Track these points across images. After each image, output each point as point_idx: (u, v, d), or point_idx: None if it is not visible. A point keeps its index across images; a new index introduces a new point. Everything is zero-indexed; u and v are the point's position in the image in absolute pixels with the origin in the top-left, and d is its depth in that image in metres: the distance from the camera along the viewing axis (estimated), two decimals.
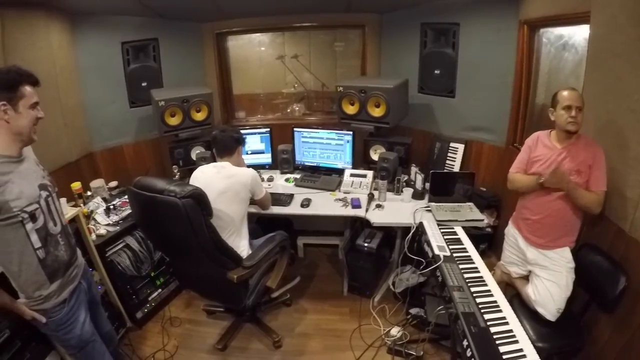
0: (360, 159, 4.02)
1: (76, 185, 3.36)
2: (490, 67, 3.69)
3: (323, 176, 3.93)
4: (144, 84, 4.19)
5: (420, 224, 2.99)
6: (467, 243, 2.75)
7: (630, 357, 2.20)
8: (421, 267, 2.73)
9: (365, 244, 3.62)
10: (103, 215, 3.27)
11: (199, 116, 3.92)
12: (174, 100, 3.73)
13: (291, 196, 3.53)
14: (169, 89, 4.13)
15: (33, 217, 1.81)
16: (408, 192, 3.54)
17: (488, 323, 1.97)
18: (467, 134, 4.03)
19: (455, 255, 2.58)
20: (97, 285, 2.52)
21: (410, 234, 3.03)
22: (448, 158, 4.11)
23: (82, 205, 3.30)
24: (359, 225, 3.82)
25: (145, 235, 3.30)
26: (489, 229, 3.87)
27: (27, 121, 1.81)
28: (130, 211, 3.29)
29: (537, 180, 2.52)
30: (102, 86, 3.99)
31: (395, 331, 3.12)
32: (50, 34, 3.37)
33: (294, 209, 3.42)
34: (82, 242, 2.87)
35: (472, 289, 2.23)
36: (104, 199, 3.47)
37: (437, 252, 2.59)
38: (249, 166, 3.06)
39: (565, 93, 2.41)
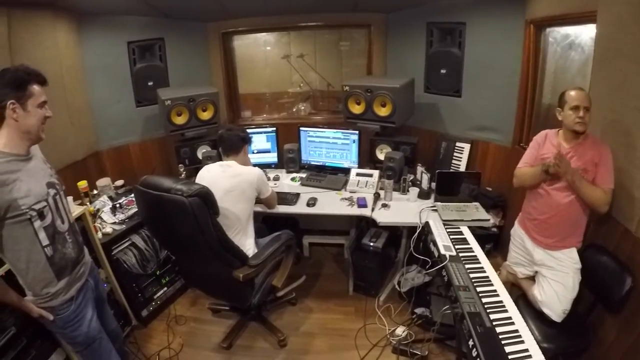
0: (366, 159, 4.01)
1: (82, 184, 3.37)
2: (497, 66, 3.68)
3: (329, 175, 3.93)
4: (150, 84, 4.21)
5: (426, 224, 2.99)
6: (473, 243, 2.74)
7: (636, 358, 2.18)
8: (427, 266, 2.73)
9: (371, 244, 3.62)
10: (109, 214, 3.29)
11: (205, 115, 3.93)
12: (180, 100, 3.74)
13: (297, 195, 3.53)
14: (175, 89, 4.14)
15: (41, 214, 1.82)
16: (414, 191, 3.53)
17: (494, 323, 1.96)
18: (473, 133, 4.02)
19: (461, 255, 2.57)
20: (102, 283, 2.53)
21: (416, 233, 3.02)
22: (454, 158, 4.10)
23: (88, 203, 3.32)
24: (365, 224, 3.82)
25: (151, 234, 3.31)
26: (494, 229, 3.85)
27: (35, 120, 1.82)
28: (136, 210, 3.31)
29: (542, 168, 2.50)
30: (108, 85, 4.01)
31: (401, 331, 3.12)
32: (56, 34, 3.39)
33: (300, 208, 3.42)
34: (89, 240, 2.88)
35: (478, 289, 2.22)
36: (110, 198, 3.49)
37: (443, 251, 2.58)
38: (255, 165, 3.07)
39: (572, 93, 2.40)
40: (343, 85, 3.80)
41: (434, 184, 3.36)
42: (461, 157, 4.06)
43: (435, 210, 3.18)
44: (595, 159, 2.38)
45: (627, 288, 2.22)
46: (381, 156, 3.81)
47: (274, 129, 4.19)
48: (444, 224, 2.97)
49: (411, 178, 3.64)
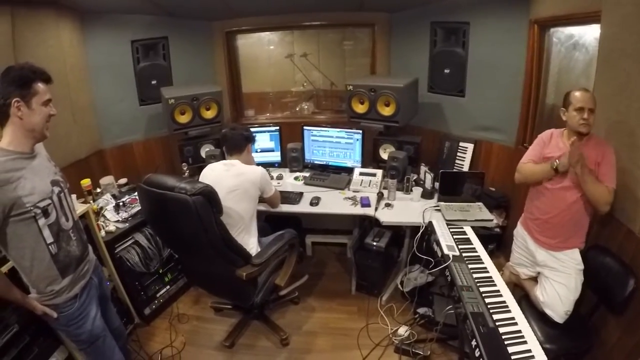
0: (370, 158, 4.02)
1: (86, 182, 3.38)
2: (500, 66, 3.67)
3: (332, 175, 3.93)
4: (153, 82, 4.22)
5: (430, 224, 2.98)
6: (477, 243, 2.73)
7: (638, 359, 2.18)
8: (430, 266, 2.73)
9: (374, 243, 3.61)
10: (112, 212, 3.30)
11: (209, 114, 3.94)
12: (183, 98, 3.75)
13: (300, 194, 3.53)
14: (179, 87, 4.16)
15: (45, 212, 1.83)
16: (417, 191, 3.53)
17: (497, 323, 1.96)
18: (477, 133, 4.01)
19: (464, 255, 2.57)
20: (106, 281, 2.53)
21: (420, 233, 3.02)
22: (457, 157, 4.09)
23: (91, 202, 3.32)
24: (368, 224, 3.82)
25: (154, 232, 3.31)
26: (497, 229, 3.85)
27: (40, 118, 1.82)
28: (139, 208, 3.32)
29: (551, 166, 2.48)
30: (112, 84, 4.02)
31: (403, 330, 3.12)
32: (60, 33, 3.39)
33: (303, 207, 3.42)
34: (92, 238, 2.88)
35: (481, 289, 2.22)
36: (114, 196, 3.50)
37: (446, 251, 2.58)
38: (258, 164, 3.07)
39: (577, 94, 2.38)
40: (347, 85, 3.79)
41: (437, 184, 3.37)
42: (464, 157, 4.05)
43: (439, 210, 3.18)
44: (598, 158, 2.37)
45: (630, 289, 2.22)
46: (385, 156, 3.81)
47: (278, 128, 4.19)
48: (447, 224, 2.96)
49: (414, 178, 3.64)
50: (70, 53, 3.53)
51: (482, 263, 2.49)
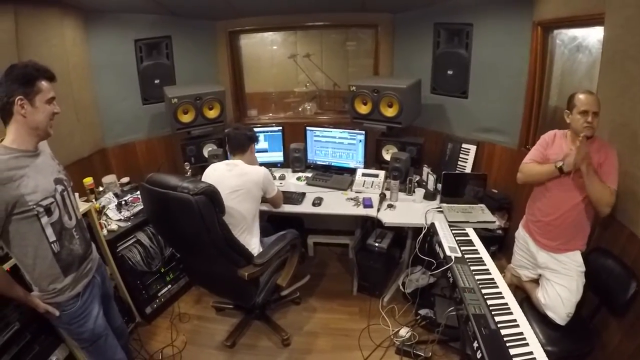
0: (373, 159, 4.01)
1: (88, 181, 3.38)
2: (503, 68, 3.66)
3: (335, 175, 3.93)
4: (156, 81, 4.23)
5: (432, 225, 2.98)
6: (479, 245, 2.73)
7: None
8: (432, 267, 2.73)
9: (376, 244, 3.61)
10: (114, 211, 3.30)
11: (212, 114, 3.94)
12: (186, 98, 3.75)
13: (303, 195, 3.53)
14: (182, 87, 4.17)
15: (48, 211, 1.82)
16: (420, 192, 3.51)
17: (499, 325, 1.95)
18: (479, 135, 4.01)
19: (466, 256, 2.56)
20: (109, 279, 2.53)
21: (422, 234, 3.02)
22: (460, 159, 4.09)
23: (94, 200, 3.32)
24: (370, 224, 3.82)
25: (156, 232, 3.31)
26: (499, 231, 3.84)
27: (43, 116, 1.82)
28: (141, 207, 3.32)
29: (555, 166, 2.46)
30: (115, 83, 4.03)
31: (404, 332, 3.12)
32: (63, 31, 3.40)
33: (305, 207, 3.42)
34: (94, 237, 2.88)
35: (483, 291, 2.21)
36: (116, 195, 3.50)
37: (448, 253, 2.58)
38: (260, 164, 3.07)
39: (582, 97, 2.37)
40: (350, 85, 3.80)
41: (439, 185, 3.36)
42: (467, 159, 4.05)
43: (441, 212, 3.18)
44: (601, 160, 2.37)
45: (632, 292, 2.23)
46: (387, 157, 3.81)
47: (280, 128, 4.19)
48: (450, 226, 2.95)
49: (417, 179, 3.63)
50: (73, 52, 3.54)
51: (484, 265, 2.49)
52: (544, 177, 2.60)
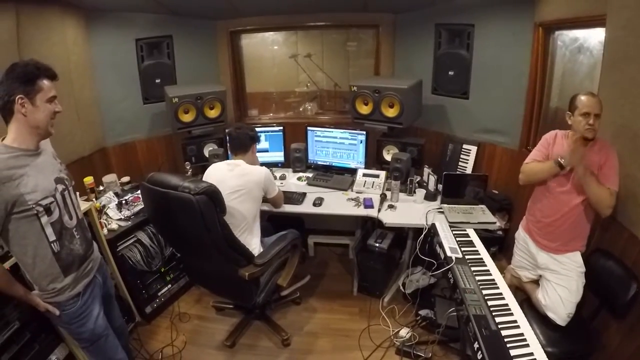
0: (373, 159, 4.01)
1: (89, 180, 3.38)
2: (505, 69, 3.66)
3: (335, 175, 3.93)
4: (157, 81, 4.23)
5: (432, 225, 2.98)
6: (479, 245, 2.73)
7: None
8: (433, 268, 2.73)
9: (377, 244, 3.61)
10: (115, 210, 3.29)
11: (212, 113, 3.95)
12: (187, 97, 3.75)
13: (303, 195, 3.53)
14: (183, 86, 4.17)
15: (48, 210, 1.82)
16: (420, 193, 3.52)
17: (499, 326, 1.95)
18: (480, 136, 4.01)
19: (467, 257, 2.56)
20: (110, 279, 2.53)
21: (422, 235, 3.02)
22: (461, 160, 4.09)
23: (94, 199, 3.32)
24: (370, 225, 3.82)
25: (157, 231, 3.31)
26: (500, 232, 3.84)
27: (44, 115, 1.81)
28: (142, 206, 3.32)
29: (555, 162, 2.46)
30: (115, 82, 4.03)
31: (404, 332, 3.12)
32: (65, 30, 3.40)
33: (306, 207, 3.42)
34: (94, 236, 2.86)
35: (484, 292, 2.21)
36: (116, 194, 3.49)
37: (449, 253, 2.57)
38: (261, 164, 3.07)
39: (584, 98, 2.35)
40: (351, 86, 3.80)
41: (440, 186, 3.36)
42: (468, 160, 4.05)
43: (442, 212, 3.18)
44: (601, 161, 2.36)
45: (632, 293, 2.23)
46: (388, 157, 3.81)
47: (281, 128, 4.18)
48: (450, 226, 2.95)
49: (418, 179, 3.63)
50: (74, 51, 3.54)
51: (485, 265, 2.49)
52: (545, 174, 2.59)
